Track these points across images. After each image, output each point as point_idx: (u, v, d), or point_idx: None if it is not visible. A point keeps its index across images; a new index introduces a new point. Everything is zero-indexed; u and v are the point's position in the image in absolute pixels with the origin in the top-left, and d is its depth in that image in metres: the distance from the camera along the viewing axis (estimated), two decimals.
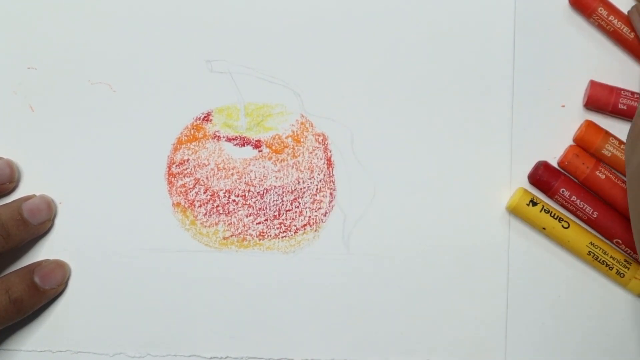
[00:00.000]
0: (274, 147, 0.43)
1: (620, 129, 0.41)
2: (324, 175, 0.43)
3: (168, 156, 0.43)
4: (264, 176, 0.43)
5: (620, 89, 0.41)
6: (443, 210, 0.42)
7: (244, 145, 0.43)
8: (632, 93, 0.41)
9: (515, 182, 0.42)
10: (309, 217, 0.43)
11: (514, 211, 0.41)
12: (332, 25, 0.43)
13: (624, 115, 0.41)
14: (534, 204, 0.41)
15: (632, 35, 0.41)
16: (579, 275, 0.42)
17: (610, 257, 0.40)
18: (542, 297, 0.42)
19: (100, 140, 0.43)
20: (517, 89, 0.42)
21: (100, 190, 0.43)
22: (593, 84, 0.41)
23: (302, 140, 0.43)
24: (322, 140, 0.43)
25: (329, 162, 0.43)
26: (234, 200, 0.43)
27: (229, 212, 0.43)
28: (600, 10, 0.41)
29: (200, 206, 0.43)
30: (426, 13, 0.42)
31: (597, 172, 0.40)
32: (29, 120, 0.43)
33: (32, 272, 0.41)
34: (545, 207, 0.41)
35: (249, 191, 0.43)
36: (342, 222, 0.42)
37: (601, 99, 0.41)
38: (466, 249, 0.42)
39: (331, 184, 0.43)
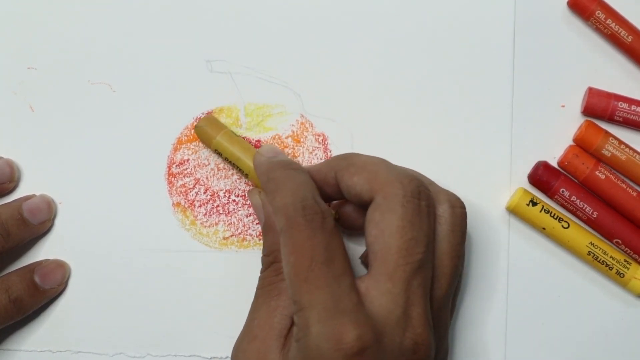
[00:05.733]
0: None
1: (620, 129, 0.41)
2: None
3: (168, 156, 0.43)
4: None
5: (618, 100, 0.40)
6: None
7: None
8: (629, 105, 0.40)
9: (515, 182, 0.42)
10: None
11: (513, 211, 0.41)
12: (332, 25, 0.43)
13: (620, 125, 0.41)
14: (534, 204, 0.41)
15: (629, 39, 0.41)
16: (579, 275, 0.42)
17: (610, 257, 0.40)
18: (542, 297, 0.42)
19: (100, 140, 0.43)
20: (517, 89, 0.42)
21: (100, 190, 0.43)
22: (590, 94, 0.41)
23: (302, 140, 0.43)
24: (322, 140, 0.43)
25: None
26: (234, 200, 0.43)
27: (229, 212, 0.43)
28: (598, 13, 0.41)
29: (200, 206, 0.43)
30: (426, 13, 0.42)
31: (596, 172, 0.40)
32: (29, 120, 0.43)
33: (32, 272, 0.41)
34: (545, 207, 0.41)
35: None
36: None
37: (597, 111, 0.41)
38: (466, 248, 0.42)
39: None
